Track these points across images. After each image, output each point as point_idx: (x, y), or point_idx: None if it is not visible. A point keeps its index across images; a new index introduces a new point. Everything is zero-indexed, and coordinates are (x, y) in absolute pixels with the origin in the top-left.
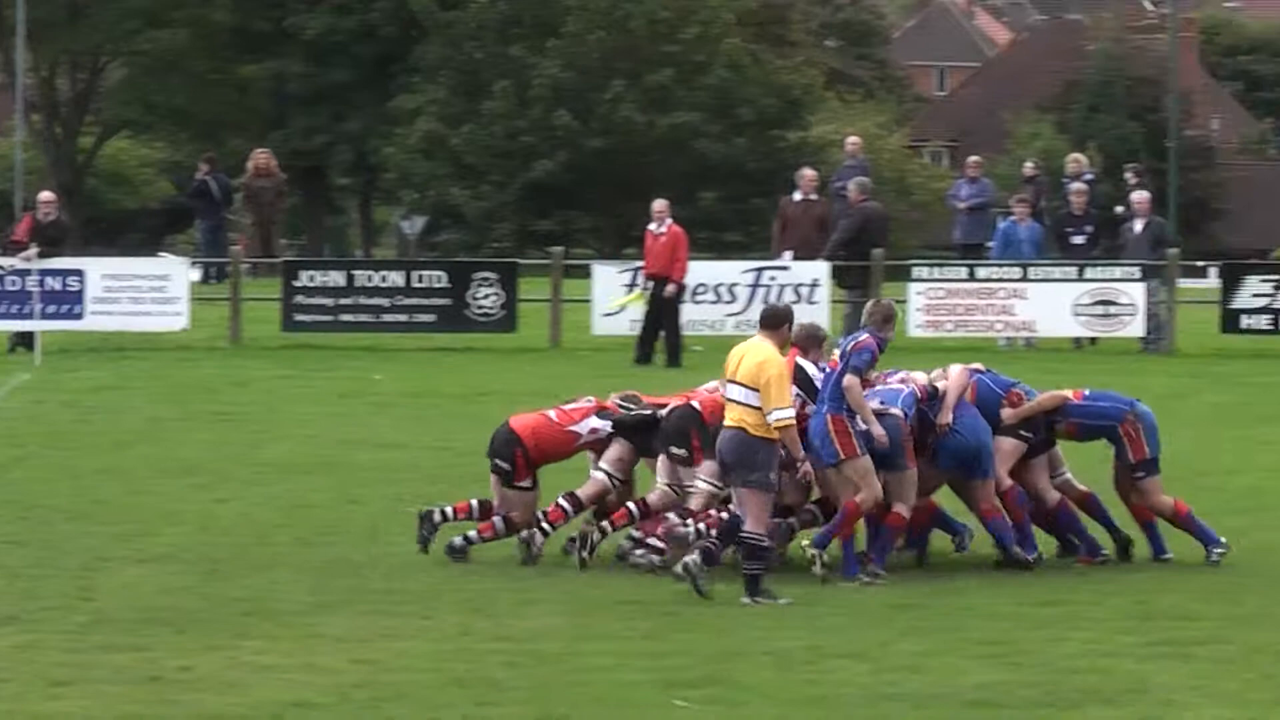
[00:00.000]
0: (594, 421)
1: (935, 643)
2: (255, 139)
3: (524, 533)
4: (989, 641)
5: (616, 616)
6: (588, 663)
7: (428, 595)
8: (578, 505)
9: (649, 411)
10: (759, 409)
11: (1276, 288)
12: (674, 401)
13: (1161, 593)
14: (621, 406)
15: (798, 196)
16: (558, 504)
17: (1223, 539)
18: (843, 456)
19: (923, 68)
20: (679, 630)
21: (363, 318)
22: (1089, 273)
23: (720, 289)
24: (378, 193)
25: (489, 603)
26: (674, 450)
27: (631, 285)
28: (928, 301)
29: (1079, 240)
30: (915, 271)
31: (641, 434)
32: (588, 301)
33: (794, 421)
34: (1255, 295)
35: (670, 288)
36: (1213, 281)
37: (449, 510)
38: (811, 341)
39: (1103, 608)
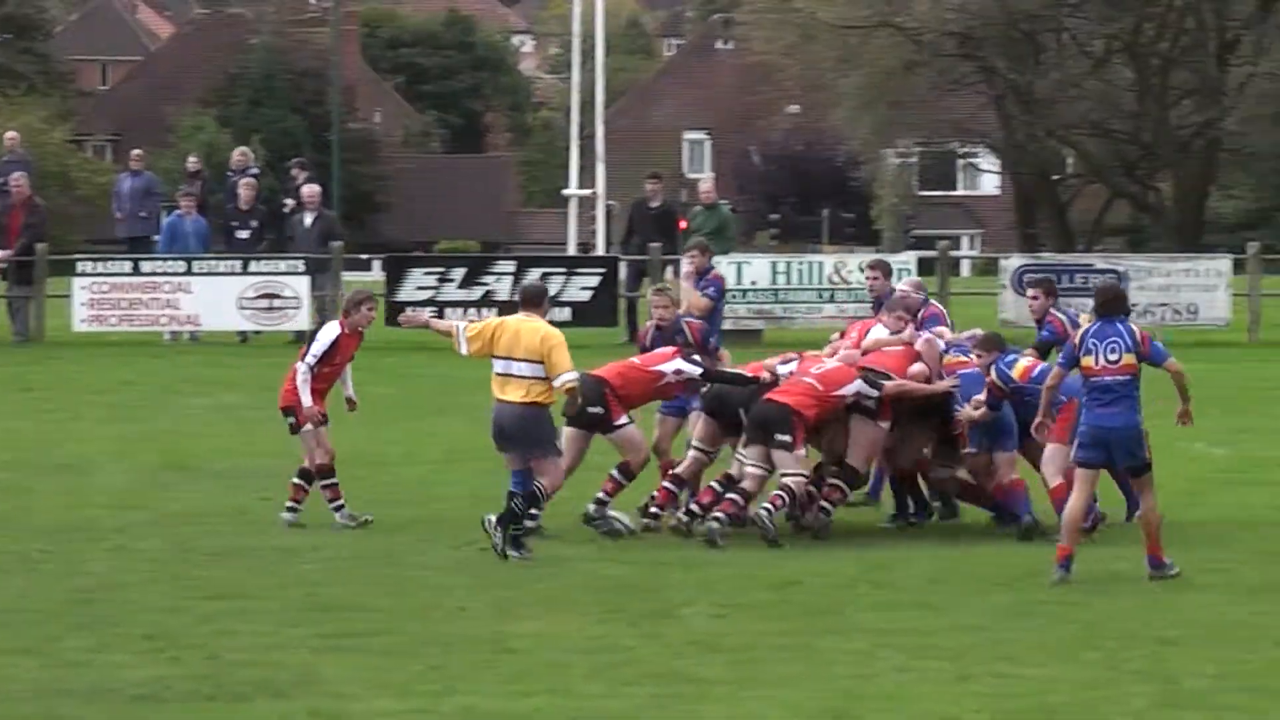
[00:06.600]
0: (679, 364)
1: (103, 638)
2: None
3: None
4: (153, 636)
5: None
6: None
7: None
8: (681, 483)
9: (740, 371)
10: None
11: (440, 280)
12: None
13: (333, 584)
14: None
15: None
16: (663, 486)
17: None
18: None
19: (86, 61)
20: None
21: None
22: (253, 266)
23: None
24: None
25: None
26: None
27: None
28: (92, 296)
29: (244, 235)
30: (80, 266)
31: (725, 396)
32: None
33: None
34: (420, 288)
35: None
36: (377, 274)
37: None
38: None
39: (273, 600)
